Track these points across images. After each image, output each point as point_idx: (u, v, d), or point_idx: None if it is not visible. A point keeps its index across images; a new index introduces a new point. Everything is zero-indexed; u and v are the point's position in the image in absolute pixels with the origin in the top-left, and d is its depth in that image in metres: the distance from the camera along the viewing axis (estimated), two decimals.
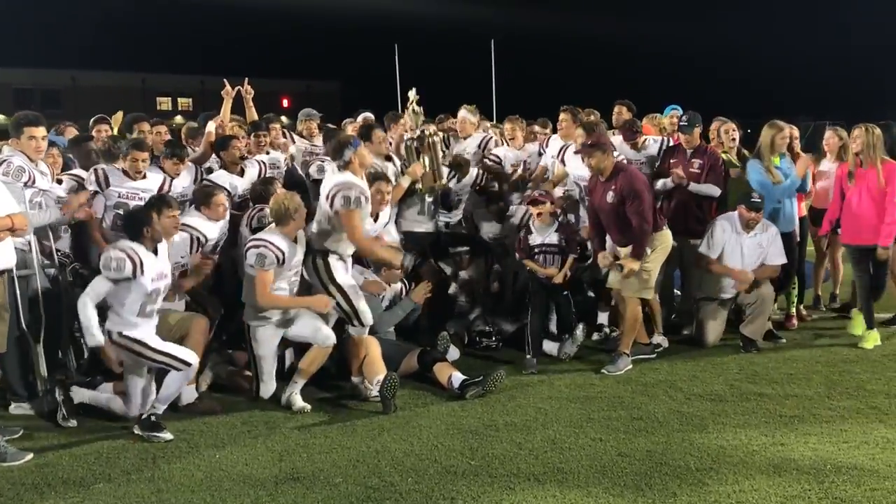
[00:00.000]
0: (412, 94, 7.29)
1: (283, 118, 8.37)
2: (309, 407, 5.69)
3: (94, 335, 5.03)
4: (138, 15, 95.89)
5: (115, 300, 5.20)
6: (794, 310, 7.77)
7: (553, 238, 6.85)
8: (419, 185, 6.97)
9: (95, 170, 6.09)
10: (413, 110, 7.03)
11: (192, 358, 5.29)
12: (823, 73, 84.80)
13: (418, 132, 6.98)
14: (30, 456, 4.89)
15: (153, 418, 5.19)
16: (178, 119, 66.72)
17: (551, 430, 5.18)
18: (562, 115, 7.72)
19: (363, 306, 5.87)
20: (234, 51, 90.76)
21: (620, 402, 5.65)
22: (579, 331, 6.77)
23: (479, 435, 5.14)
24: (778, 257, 7.01)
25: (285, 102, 68.33)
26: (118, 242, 5.29)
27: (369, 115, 8.89)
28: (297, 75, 75.09)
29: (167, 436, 5.14)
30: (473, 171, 7.47)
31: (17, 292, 5.41)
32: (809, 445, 4.81)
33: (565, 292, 6.92)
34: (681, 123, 7.38)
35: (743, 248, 6.94)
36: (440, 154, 7.04)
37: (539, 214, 6.86)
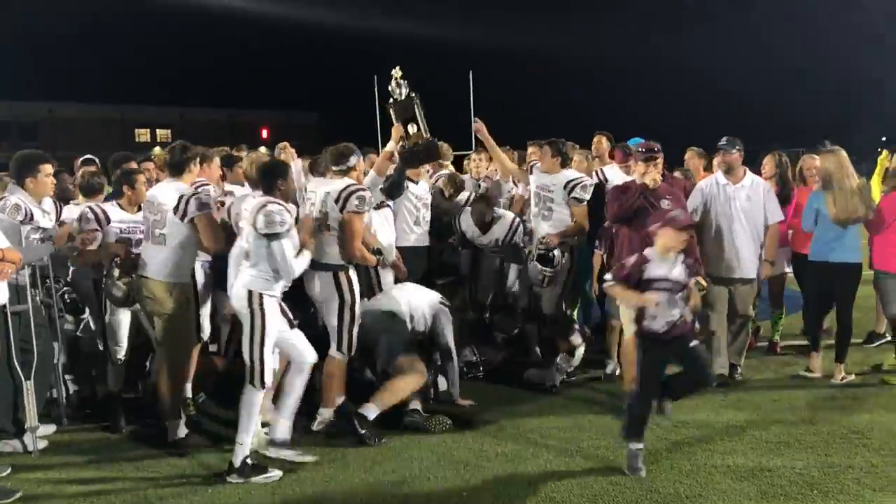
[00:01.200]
0: (396, 71, 7.33)
1: (263, 148, 8.52)
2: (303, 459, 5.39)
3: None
4: (116, 46, 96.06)
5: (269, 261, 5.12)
6: (777, 336, 7.87)
7: (680, 274, 5.00)
8: (404, 144, 6.69)
9: (91, 207, 5.99)
10: (396, 81, 6.92)
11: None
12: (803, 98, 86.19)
13: (403, 95, 6.74)
14: (18, 494, 4.88)
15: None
16: (157, 150, 66.58)
17: (542, 459, 5.23)
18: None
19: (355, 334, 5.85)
20: (213, 82, 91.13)
21: (609, 431, 5.70)
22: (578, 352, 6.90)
23: (470, 466, 5.18)
24: (776, 214, 6.81)
25: (265, 133, 68.56)
26: (261, 198, 5.24)
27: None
28: (277, 106, 75.31)
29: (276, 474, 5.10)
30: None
31: (10, 328, 5.42)
32: (796, 471, 4.90)
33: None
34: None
35: (734, 200, 6.73)
36: (422, 114, 6.87)
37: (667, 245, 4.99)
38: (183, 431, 5.66)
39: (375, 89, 30.38)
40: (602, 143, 8.55)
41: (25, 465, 5.37)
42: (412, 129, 6.70)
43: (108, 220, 5.89)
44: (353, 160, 5.85)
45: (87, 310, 6.24)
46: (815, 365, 6.91)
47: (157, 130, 67.71)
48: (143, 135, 66.80)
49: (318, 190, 5.82)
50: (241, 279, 5.14)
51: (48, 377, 5.87)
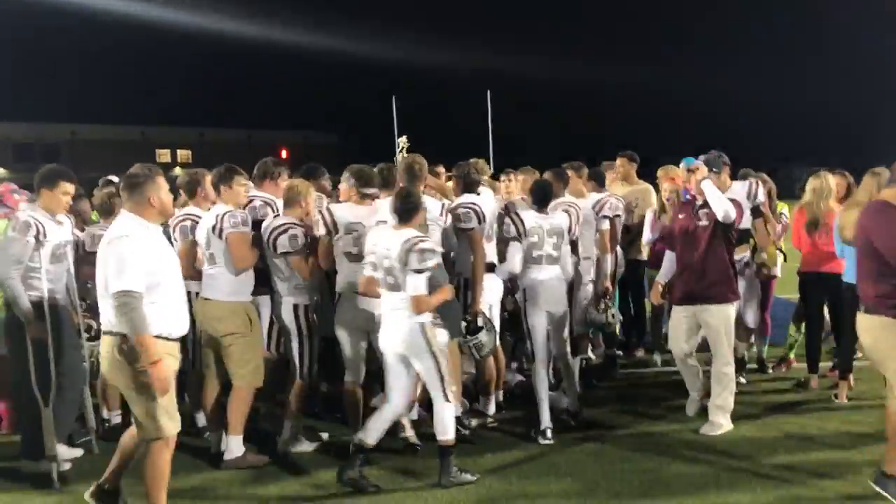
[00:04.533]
0: (403, 140, 7.55)
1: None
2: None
3: None
4: (137, 68, 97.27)
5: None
6: (792, 354, 7.79)
7: None
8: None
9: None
10: (405, 157, 7.04)
11: None
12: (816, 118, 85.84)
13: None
14: None
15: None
16: (178, 171, 67.30)
17: (565, 484, 5.11)
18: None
19: None
20: (232, 103, 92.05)
21: (632, 457, 5.58)
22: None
23: (491, 489, 5.07)
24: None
25: (283, 153, 69.01)
26: (408, 234, 5.02)
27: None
28: (296, 126, 75.90)
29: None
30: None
31: (30, 352, 5.36)
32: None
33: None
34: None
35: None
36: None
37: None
38: (241, 450, 5.59)
39: (394, 110, 30.44)
40: (625, 164, 8.45)
41: (37, 484, 5.29)
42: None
43: None
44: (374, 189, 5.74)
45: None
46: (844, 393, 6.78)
47: (178, 151, 68.27)
48: (163, 155, 67.34)
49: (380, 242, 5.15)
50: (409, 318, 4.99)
51: (75, 401, 5.73)
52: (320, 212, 5.67)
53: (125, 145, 62.32)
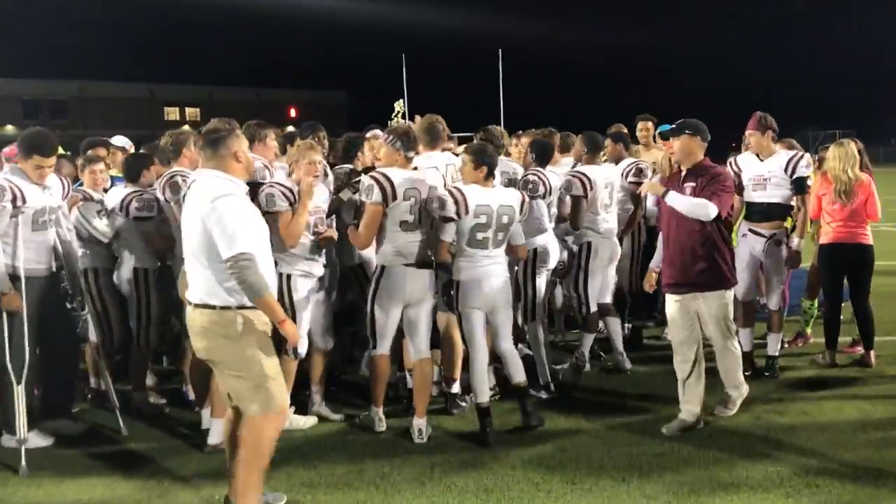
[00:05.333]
0: (398, 104, 7.23)
1: (290, 127, 8.17)
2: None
3: None
4: (146, 25, 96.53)
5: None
6: (809, 329, 7.58)
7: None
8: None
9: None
10: (398, 122, 6.84)
11: None
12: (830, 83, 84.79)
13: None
14: None
15: None
16: (186, 129, 66.57)
17: (570, 470, 4.89)
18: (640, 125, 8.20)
19: None
20: (241, 61, 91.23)
21: (642, 439, 5.36)
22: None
23: (494, 474, 4.85)
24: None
25: (293, 112, 68.54)
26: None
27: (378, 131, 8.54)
28: (305, 85, 75.29)
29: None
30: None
31: (4, 327, 5.09)
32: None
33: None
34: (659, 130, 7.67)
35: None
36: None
37: None
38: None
39: (403, 68, 30.04)
40: (649, 128, 8.17)
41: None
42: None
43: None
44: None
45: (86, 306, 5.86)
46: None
47: (187, 109, 67.83)
48: (171, 113, 67.02)
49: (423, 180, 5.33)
50: None
51: (67, 377, 5.59)
52: (374, 177, 5.15)
53: (133, 102, 62.02)
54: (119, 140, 8.00)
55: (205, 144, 4.05)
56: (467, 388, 5.74)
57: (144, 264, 5.86)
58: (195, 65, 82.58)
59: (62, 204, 5.47)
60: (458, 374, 5.82)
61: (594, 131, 6.75)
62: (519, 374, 5.52)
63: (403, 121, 7.09)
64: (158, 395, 6.29)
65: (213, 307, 3.96)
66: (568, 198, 6.43)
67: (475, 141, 6.17)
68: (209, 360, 4.14)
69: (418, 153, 5.63)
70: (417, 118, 6.72)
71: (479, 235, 5.22)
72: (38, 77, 59.89)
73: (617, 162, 6.96)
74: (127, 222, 5.79)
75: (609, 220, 6.52)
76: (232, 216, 3.87)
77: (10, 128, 57.65)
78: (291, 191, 5.22)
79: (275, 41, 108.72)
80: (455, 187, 5.29)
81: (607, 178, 6.51)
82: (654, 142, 8.11)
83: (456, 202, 5.12)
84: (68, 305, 5.67)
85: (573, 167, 6.69)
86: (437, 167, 5.66)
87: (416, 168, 5.39)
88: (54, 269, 5.44)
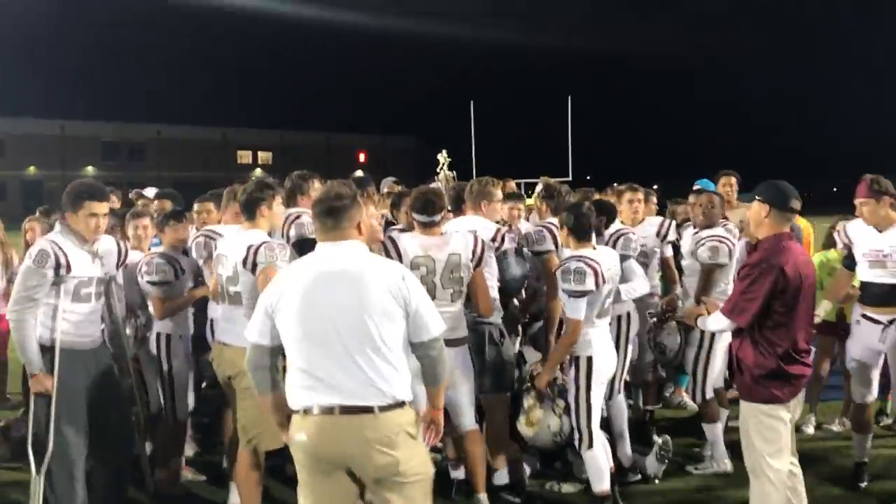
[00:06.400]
0: (442, 156, 6.83)
1: (359, 172, 7.72)
2: None
3: None
4: (221, 69, 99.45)
5: None
6: None
7: None
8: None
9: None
10: (444, 175, 6.52)
11: None
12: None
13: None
14: None
15: None
16: (258, 172, 68.24)
17: None
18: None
19: None
20: (311, 105, 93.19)
21: None
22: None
23: None
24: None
25: (362, 157, 69.40)
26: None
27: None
28: (374, 130, 76.34)
29: None
30: None
31: (31, 410, 4.36)
32: None
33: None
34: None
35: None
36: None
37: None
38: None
39: (471, 113, 30.05)
40: (732, 184, 6.92)
41: None
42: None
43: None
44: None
45: None
46: None
47: (259, 153, 69.20)
48: (244, 157, 68.43)
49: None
50: None
51: (118, 472, 4.60)
52: (382, 242, 4.50)
53: (207, 145, 63.54)
54: (149, 191, 7.53)
55: (324, 214, 3.20)
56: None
57: (166, 329, 5.05)
58: (267, 109, 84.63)
59: (115, 273, 4.67)
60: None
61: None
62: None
63: (451, 172, 6.75)
64: (196, 471, 5.45)
65: (403, 403, 3.12)
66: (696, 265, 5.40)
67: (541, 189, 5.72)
68: (395, 476, 3.10)
69: (446, 218, 4.83)
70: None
71: (606, 304, 4.60)
72: (116, 120, 61.83)
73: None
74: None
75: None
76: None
77: (90, 169, 59.55)
78: None
79: (345, 86, 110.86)
80: (587, 258, 4.43)
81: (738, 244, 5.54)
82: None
83: (595, 273, 4.37)
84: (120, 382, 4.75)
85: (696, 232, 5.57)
86: (477, 230, 4.76)
87: (443, 233, 4.56)
88: (103, 341, 4.62)
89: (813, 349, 4.08)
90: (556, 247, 5.08)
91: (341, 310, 3.02)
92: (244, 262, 4.18)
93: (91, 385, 4.36)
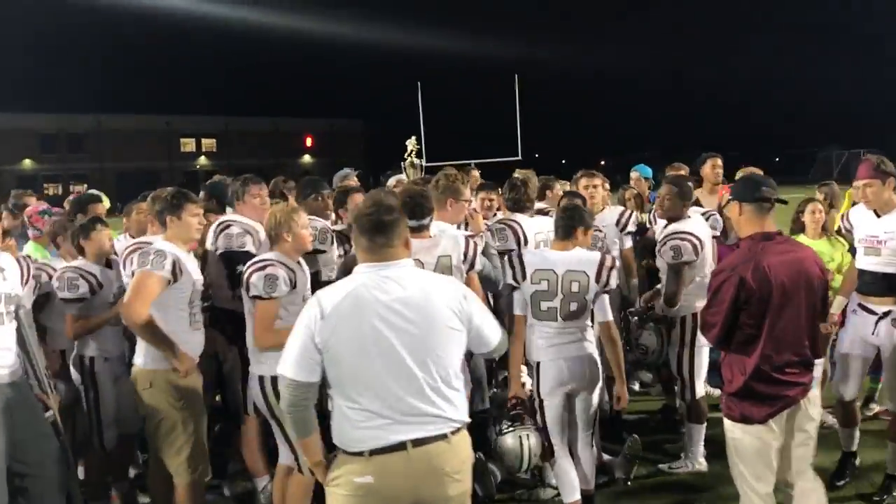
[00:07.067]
0: (411, 143, 6.70)
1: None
2: None
3: None
4: (161, 57, 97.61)
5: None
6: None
7: None
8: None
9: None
10: (411, 162, 6.39)
11: None
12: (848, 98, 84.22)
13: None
14: None
15: None
16: (202, 160, 67.24)
17: None
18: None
19: None
20: (256, 91, 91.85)
21: None
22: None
23: None
24: None
25: (308, 142, 68.66)
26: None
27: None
28: (320, 114, 75.60)
29: None
30: None
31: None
32: None
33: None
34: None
35: None
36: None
37: None
38: None
39: (419, 95, 29.83)
40: (717, 166, 6.58)
41: None
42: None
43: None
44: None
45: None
46: None
47: (203, 140, 68.05)
48: (188, 144, 67.21)
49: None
50: None
51: None
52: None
53: (150, 134, 62.23)
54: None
55: (373, 230, 2.83)
56: None
57: (89, 352, 4.49)
58: (211, 96, 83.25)
59: (20, 293, 3.94)
60: None
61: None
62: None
63: (418, 160, 6.55)
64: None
65: (467, 425, 2.92)
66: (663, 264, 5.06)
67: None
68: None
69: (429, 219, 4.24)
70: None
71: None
72: (55, 111, 60.22)
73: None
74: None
75: None
76: None
77: (27, 162, 57.94)
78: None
79: (290, 70, 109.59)
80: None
81: (707, 233, 5.12)
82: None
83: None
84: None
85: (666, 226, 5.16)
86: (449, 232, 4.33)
87: (431, 236, 4.18)
88: (21, 373, 3.85)
89: (818, 362, 3.66)
90: (519, 245, 4.80)
91: (409, 341, 2.74)
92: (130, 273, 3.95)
93: (8, 426, 3.63)
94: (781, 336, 3.34)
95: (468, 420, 2.87)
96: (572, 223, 4.11)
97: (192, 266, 4.06)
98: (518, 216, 4.99)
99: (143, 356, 3.99)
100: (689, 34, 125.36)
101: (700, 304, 4.43)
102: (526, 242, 4.85)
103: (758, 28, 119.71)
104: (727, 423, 3.51)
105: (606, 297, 4.12)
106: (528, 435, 4.02)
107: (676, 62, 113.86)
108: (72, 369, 4.53)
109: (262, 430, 4.51)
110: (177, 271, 3.89)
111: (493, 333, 2.94)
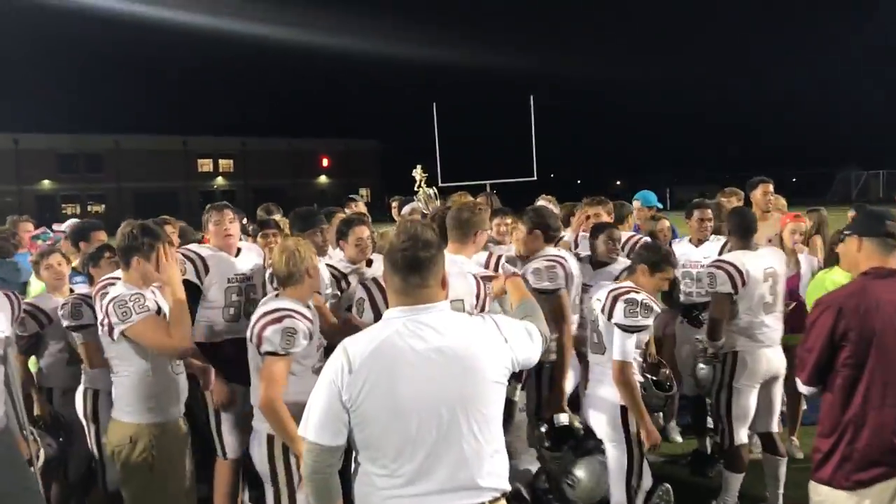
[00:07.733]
0: (418, 172, 6.55)
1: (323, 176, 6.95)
2: None
3: None
4: (179, 78, 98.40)
5: None
6: None
7: None
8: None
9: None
10: (424, 192, 6.26)
11: None
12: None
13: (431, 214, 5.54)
14: None
15: None
16: (220, 181, 67.51)
17: None
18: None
19: None
20: (273, 112, 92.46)
21: None
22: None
23: None
24: None
25: (325, 162, 68.91)
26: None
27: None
28: (337, 134, 75.93)
29: None
30: None
31: None
32: None
33: None
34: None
35: None
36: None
37: None
38: None
39: (434, 114, 29.88)
40: (768, 192, 6.36)
41: None
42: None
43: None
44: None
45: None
46: None
47: (220, 160, 68.36)
48: (205, 165, 67.48)
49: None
50: None
51: None
52: (367, 288, 3.87)
53: (167, 155, 62.56)
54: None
55: (407, 267, 2.48)
56: None
57: (94, 384, 4.28)
58: (228, 117, 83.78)
59: (10, 335, 3.64)
60: None
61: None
62: None
63: (430, 189, 6.41)
64: None
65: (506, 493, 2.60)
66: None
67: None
68: None
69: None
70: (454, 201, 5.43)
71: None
72: (73, 132, 60.60)
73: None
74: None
75: (769, 322, 4.66)
76: None
77: (46, 182, 58.32)
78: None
79: (306, 91, 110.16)
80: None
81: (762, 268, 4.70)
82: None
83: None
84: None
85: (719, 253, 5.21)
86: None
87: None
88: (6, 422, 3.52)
89: None
90: (567, 282, 4.49)
91: (449, 398, 2.41)
92: (101, 324, 3.59)
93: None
94: (890, 380, 2.92)
95: (509, 489, 2.56)
96: None
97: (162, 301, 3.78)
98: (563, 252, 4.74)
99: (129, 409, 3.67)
100: (705, 55, 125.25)
101: (742, 343, 4.54)
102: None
103: (777, 50, 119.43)
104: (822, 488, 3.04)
105: None
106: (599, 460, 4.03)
107: (693, 83, 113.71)
108: (77, 400, 4.32)
109: (235, 469, 4.38)
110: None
111: (534, 358, 2.65)
